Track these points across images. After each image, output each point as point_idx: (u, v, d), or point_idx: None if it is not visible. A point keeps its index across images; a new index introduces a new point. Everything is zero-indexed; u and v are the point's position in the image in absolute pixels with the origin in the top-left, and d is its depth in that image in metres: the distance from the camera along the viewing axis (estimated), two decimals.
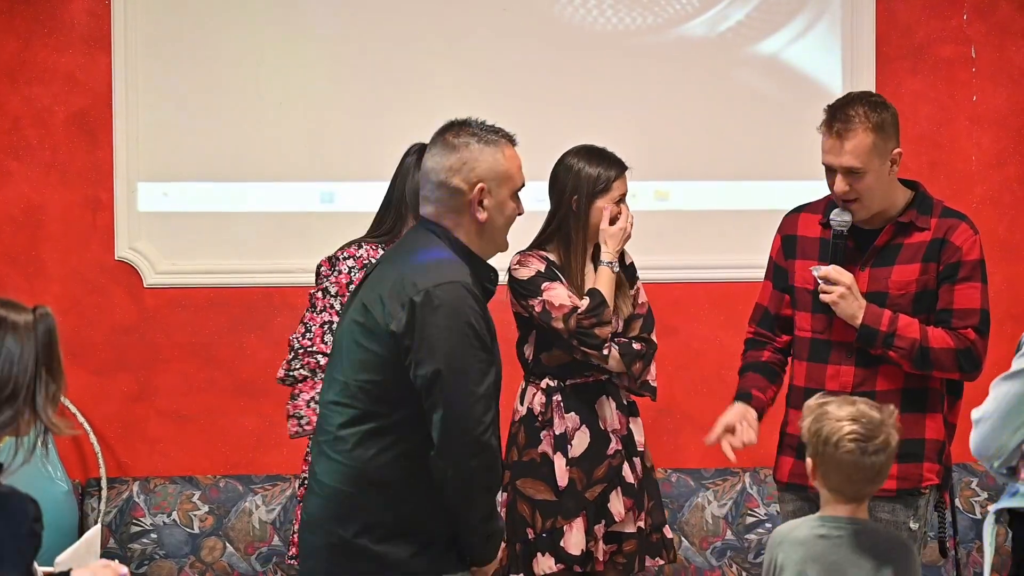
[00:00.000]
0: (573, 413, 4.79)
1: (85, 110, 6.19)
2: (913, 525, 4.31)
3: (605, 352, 4.74)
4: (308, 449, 4.74)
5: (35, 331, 2.99)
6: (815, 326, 4.43)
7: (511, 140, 3.86)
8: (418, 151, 4.78)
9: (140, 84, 6.17)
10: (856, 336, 4.31)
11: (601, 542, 4.78)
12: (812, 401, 3.71)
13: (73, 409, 6.08)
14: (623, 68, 6.30)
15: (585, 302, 4.73)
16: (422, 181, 3.84)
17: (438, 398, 3.60)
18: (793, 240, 4.52)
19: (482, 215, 3.77)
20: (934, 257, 4.31)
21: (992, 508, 3.83)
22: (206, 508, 6.04)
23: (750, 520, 6.13)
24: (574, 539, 4.74)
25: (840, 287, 4.29)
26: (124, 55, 6.15)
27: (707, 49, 6.34)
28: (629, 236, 4.84)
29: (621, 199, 4.85)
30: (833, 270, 4.31)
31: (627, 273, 4.91)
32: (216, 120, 6.19)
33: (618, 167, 4.85)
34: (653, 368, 4.86)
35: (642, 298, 4.91)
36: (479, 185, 3.75)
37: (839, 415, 3.62)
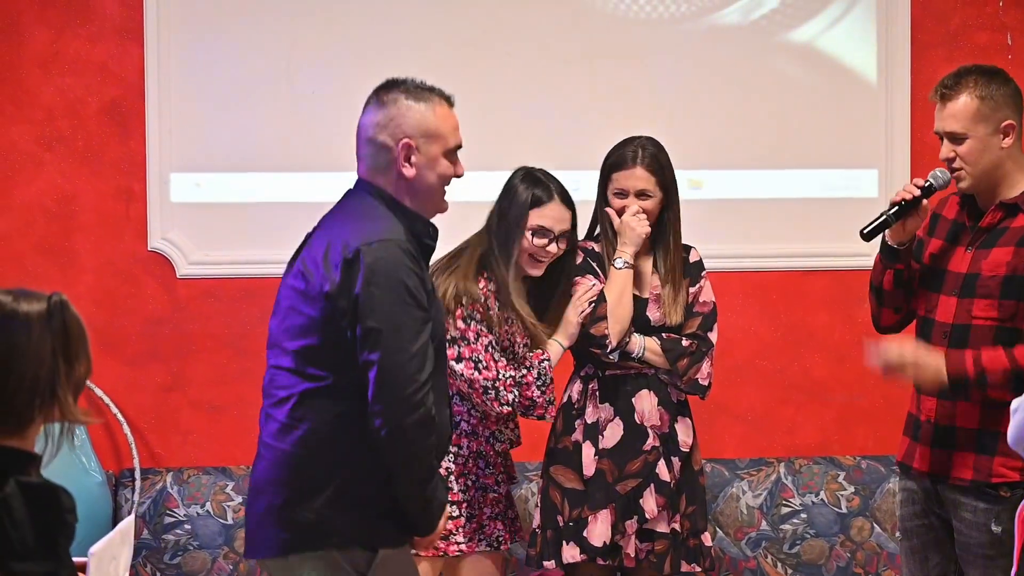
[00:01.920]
0: (608, 404, 4.78)
1: (118, 101, 6.19)
2: (995, 528, 4.23)
3: (608, 350, 4.72)
4: None
5: (49, 320, 2.97)
6: (924, 304, 4.43)
7: (446, 98, 3.85)
8: (523, 175, 4.79)
9: (173, 74, 6.16)
10: (949, 389, 4.23)
11: (634, 538, 4.76)
12: None
13: (107, 400, 6.08)
14: (656, 57, 6.27)
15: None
16: (356, 139, 3.84)
17: (371, 356, 3.58)
18: (936, 218, 4.50)
19: (409, 171, 3.75)
20: None
21: None
22: (239, 499, 6.03)
23: (785, 510, 6.10)
24: (598, 530, 4.74)
25: (905, 362, 4.24)
26: (157, 45, 6.14)
27: (741, 37, 6.30)
28: (639, 233, 4.79)
29: (622, 194, 4.81)
30: (891, 351, 4.25)
31: (688, 270, 4.87)
32: (249, 110, 6.17)
33: (622, 159, 4.80)
34: (706, 367, 4.80)
35: (706, 296, 4.86)
36: (404, 140, 3.73)
37: None
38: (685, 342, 4.78)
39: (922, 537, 4.48)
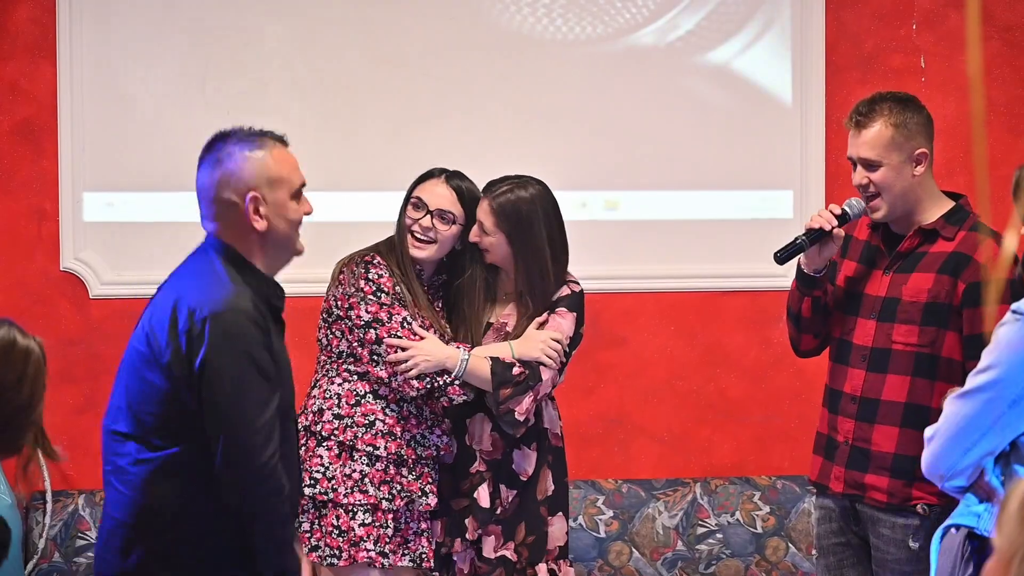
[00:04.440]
0: (448, 422, 4.76)
1: (30, 119, 6.13)
2: (913, 544, 4.26)
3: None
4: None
5: (42, 356, 3.16)
6: (840, 327, 4.45)
7: (280, 140, 3.72)
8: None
9: (85, 93, 6.11)
10: None
11: (471, 556, 4.74)
12: None
13: None
14: (572, 77, 6.28)
15: None
16: (198, 201, 3.71)
17: (217, 430, 3.49)
18: (848, 239, 4.50)
19: (260, 224, 3.63)
20: (951, 271, 4.26)
21: (942, 525, 3.76)
22: None
23: (701, 531, 6.12)
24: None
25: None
26: (69, 64, 6.10)
27: (657, 58, 6.32)
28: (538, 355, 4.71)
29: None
30: None
31: (548, 304, 4.74)
32: (162, 130, 6.13)
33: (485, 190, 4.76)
34: (527, 401, 4.63)
35: (553, 329, 4.71)
36: (251, 194, 3.62)
37: None
38: (516, 370, 4.63)
39: (839, 555, 4.50)
